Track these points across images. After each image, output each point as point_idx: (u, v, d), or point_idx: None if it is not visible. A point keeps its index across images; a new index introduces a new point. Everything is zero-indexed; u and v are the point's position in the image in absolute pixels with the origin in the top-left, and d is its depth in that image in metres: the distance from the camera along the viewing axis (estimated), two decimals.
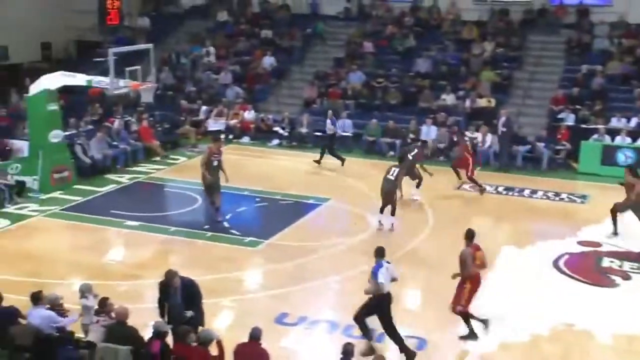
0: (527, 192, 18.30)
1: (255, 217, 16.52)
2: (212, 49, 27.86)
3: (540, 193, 18.20)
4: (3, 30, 26.91)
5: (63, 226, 15.28)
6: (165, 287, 9.43)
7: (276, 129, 23.62)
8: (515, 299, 11.88)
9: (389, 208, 15.16)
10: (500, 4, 27.12)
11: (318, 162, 20.49)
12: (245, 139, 23.68)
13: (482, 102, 23.01)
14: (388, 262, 10.09)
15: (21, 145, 18.54)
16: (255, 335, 8.60)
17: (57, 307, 9.46)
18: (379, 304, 9.83)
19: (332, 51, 27.53)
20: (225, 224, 15.26)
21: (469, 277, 10.32)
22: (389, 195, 15.04)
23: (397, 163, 15.69)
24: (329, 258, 13.60)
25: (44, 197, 17.04)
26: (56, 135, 17.69)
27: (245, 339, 8.63)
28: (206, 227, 15.09)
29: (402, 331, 10.08)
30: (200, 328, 9.27)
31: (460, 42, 26.06)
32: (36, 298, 9.35)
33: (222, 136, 23.67)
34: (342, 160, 20.31)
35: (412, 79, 24.84)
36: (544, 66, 24.94)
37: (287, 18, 29.41)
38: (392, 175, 15.07)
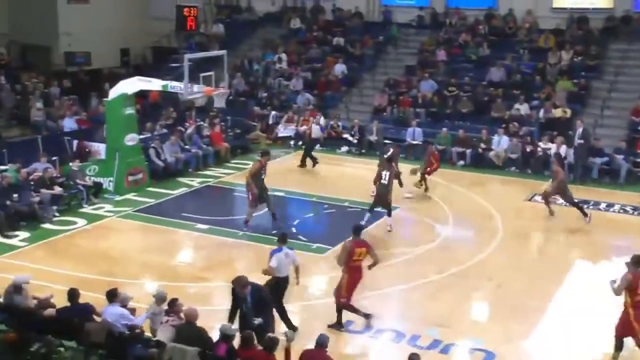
0: (602, 205, 17.71)
1: (322, 223, 16.57)
2: (284, 56, 28.13)
3: (617, 207, 17.59)
4: (87, 37, 27.95)
5: (136, 227, 15.67)
6: (237, 294, 9.49)
7: (345, 135, 23.63)
8: (587, 316, 11.50)
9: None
10: (580, 11, 26.42)
11: (302, 165, 20.86)
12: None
13: (557, 113, 22.42)
14: (290, 249, 10.59)
15: (99, 148, 19.13)
16: (322, 342, 8.57)
17: (126, 306, 9.67)
18: (275, 285, 10.32)
19: (404, 59, 27.40)
20: (294, 230, 15.34)
21: (346, 271, 10.72)
22: (384, 198, 15.19)
23: (386, 165, 15.62)
24: (396, 267, 13.50)
25: (118, 198, 17.51)
26: (132, 139, 18.17)
27: (312, 346, 8.62)
28: (274, 232, 15.18)
29: (470, 343, 9.89)
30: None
31: (535, 51, 25.52)
32: (111, 295, 9.59)
33: (292, 142, 23.97)
34: (315, 162, 20.69)
35: (485, 88, 24.46)
36: (624, 75, 24.12)
37: (360, 25, 29.44)
38: (385, 179, 15.19)
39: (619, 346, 9.79)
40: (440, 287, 12.51)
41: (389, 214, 15.41)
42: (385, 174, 15.35)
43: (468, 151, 21.77)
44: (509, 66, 25.05)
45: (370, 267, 10.98)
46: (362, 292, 11.55)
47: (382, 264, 13.42)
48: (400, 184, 16.83)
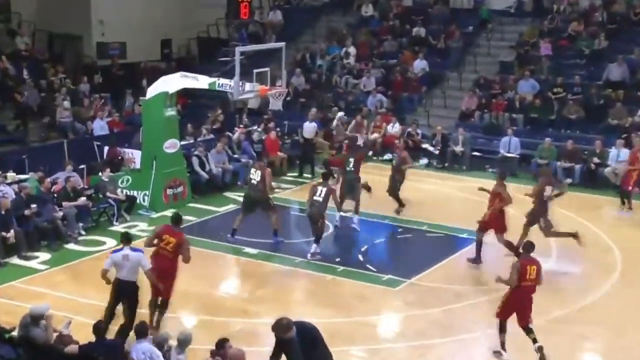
0: None
1: (396, 250, 16.47)
2: (352, 49, 28.22)
3: None
4: (123, 26, 28.59)
5: None
6: (281, 339, 9.42)
7: (425, 145, 23.46)
8: None
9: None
10: None
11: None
12: (388, 157, 23.66)
13: None
14: (135, 250, 11.17)
15: (133, 155, 19.50)
16: None
17: (163, 347, 9.73)
18: (116, 287, 11.28)
19: (499, 53, 27.16)
20: (360, 258, 15.29)
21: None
22: (314, 220, 15.21)
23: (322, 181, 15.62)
24: (484, 306, 13.23)
25: (154, 215, 17.77)
26: (172, 145, 18.44)
27: None
28: (337, 259, 15.16)
29: None
30: None
31: None
32: (140, 332, 9.68)
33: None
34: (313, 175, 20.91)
35: (600, 89, 23.97)
36: None
37: (445, 13, 29.32)
38: (319, 196, 15.14)
39: (502, 329, 11.43)
40: (540, 335, 12.19)
41: (316, 241, 15.13)
42: (321, 190, 15.12)
43: (577, 167, 21.37)
44: (633, 61, 24.44)
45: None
46: (446, 335, 11.37)
47: (467, 302, 13.26)
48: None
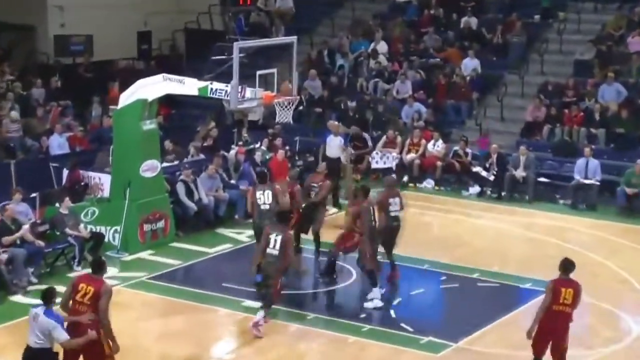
0: None
1: (438, 305, 16.44)
2: (383, 45, 28.37)
3: None
4: (89, 14, 28.86)
5: (152, 302, 15.87)
6: None
7: (477, 169, 23.49)
8: None
9: None
10: None
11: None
12: (429, 184, 23.68)
13: None
14: (50, 314, 10.77)
15: (101, 180, 19.60)
16: None
17: None
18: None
19: (574, 50, 27.28)
20: (392, 314, 15.26)
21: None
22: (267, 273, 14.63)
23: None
24: None
25: (127, 257, 17.81)
26: (151, 167, 18.53)
27: None
28: (363, 315, 15.14)
29: None
30: None
31: None
32: None
33: (393, 176, 23.94)
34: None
35: None
36: None
37: (503, 0, 29.46)
38: (275, 248, 14.36)
39: None
40: None
41: (264, 306, 14.50)
42: (275, 240, 14.40)
43: None
44: None
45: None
46: None
47: None
48: None
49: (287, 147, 23.19)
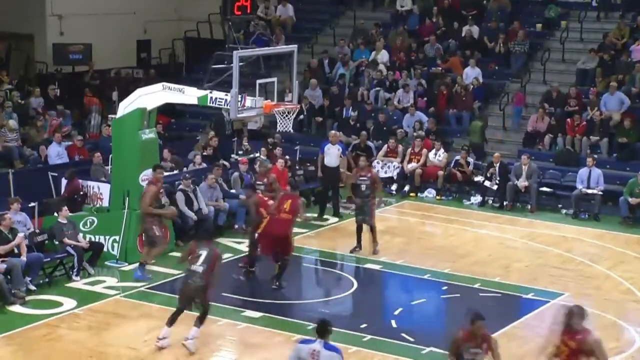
0: None
1: (439, 315, 16.46)
2: (385, 54, 28.43)
3: None
4: (88, 22, 28.90)
5: (152, 313, 15.86)
6: None
7: (478, 179, 23.53)
8: None
9: None
10: None
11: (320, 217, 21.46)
12: (430, 193, 23.72)
13: None
14: (330, 348, 10.35)
15: (100, 190, 19.64)
16: None
17: None
18: None
19: (576, 59, 27.31)
20: (393, 324, 15.29)
21: None
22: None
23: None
24: None
25: (127, 267, 17.84)
26: (150, 177, 18.57)
27: None
28: (363, 325, 15.17)
29: None
30: None
31: None
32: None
33: (394, 187, 24.00)
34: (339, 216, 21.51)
35: None
36: None
37: (505, 8, 29.55)
38: (198, 267, 14.04)
39: None
40: None
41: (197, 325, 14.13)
42: (200, 255, 14.03)
43: None
44: None
45: None
46: None
47: None
48: None
49: (287, 157, 23.20)
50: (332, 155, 22.25)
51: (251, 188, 18.58)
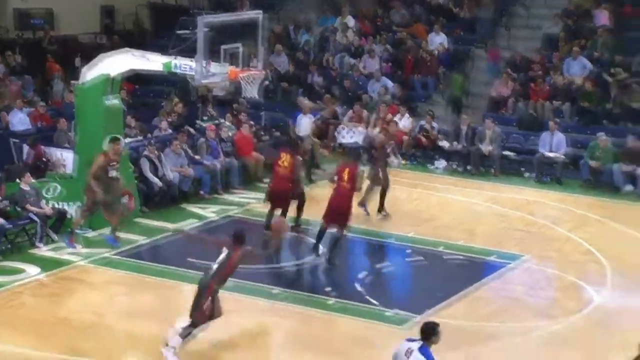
0: None
1: (404, 278, 16.57)
2: (351, 21, 28.38)
3: None
4: None
5: (117, 279, 15.86)
6: None
7: (443, 144, 23.62)
8: None
9: None
10: None
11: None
12: (396, 159, 23.77)
13: None
14: (424, 351, 9.86)
15: (64, 157, 19.55)
16: None
17: None
18: None
19: (541, 25, 27.45)
20: (358, 287, 15.39)
21: None
22: None
23: None
24: (516, 349, 13.44)
25: (91, 234, 17.81)
26: None
27: None
28: (329, 289, 15.28)
29: None
30: None
31: None
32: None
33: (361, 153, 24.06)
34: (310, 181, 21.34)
35: None
36: None
37: None
38: None
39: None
40: None
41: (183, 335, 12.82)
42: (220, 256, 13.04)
43: None
44: None
45: None
46: None
47: (494, 344, 13.37)
48: None
49: (254, 123, 23.22)
50: (303, 125, 22.33)
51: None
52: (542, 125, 23.58)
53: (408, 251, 17.27)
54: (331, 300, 14.85)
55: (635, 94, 23.89)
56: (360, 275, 15.95)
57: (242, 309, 14.64)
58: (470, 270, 16.55)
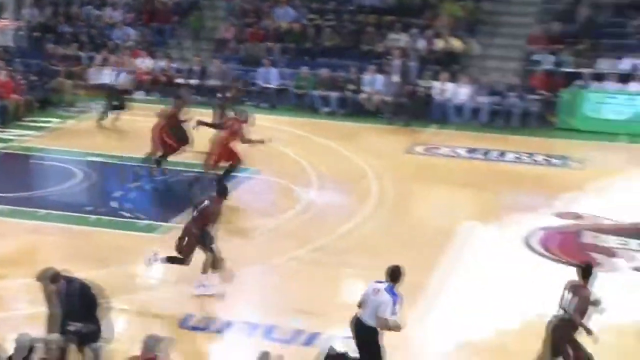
0: (494, 154, 18.93)
1: (152, 193, 16.57)
2: None
3: (510, 155, 18.87)
4: None
5: None
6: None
7: (180, 80, 23.53)
8: (478, 285, 12.26)
9: None
10: None
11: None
12: (139, 95, 23.48)
13: (440, 43, 23.36)
14: (391, 291, 9.35)
15: None
16: (150, 346, 8.55)
17: None
18: None
19: None
20: (113, 205, 15.31)
21: None
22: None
23: None
24: (247, 244, 13.78)
25: None
26: None
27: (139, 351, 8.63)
28: (88, 208, 15.06)
29: (340, 332, 10.21)
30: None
31: None
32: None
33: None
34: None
35: (353, 15, 24.90)
36: None
37: None
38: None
39: None
40: (303, 266, 12.92)
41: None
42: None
43: (334, 95, 22.32)
44: None
45: None
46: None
47: (229, 242, 13.65)
48: None
49: (11, 69, 22.16)
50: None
51: None
52: (259, 62, 23.84)
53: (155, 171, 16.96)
54: (91, 217, 14.68)
55: (326, 35, 24.40)
56: (114, 194, 15.85)
57: (12, 231, 14.18)
58: (208, 183, 16.39)
